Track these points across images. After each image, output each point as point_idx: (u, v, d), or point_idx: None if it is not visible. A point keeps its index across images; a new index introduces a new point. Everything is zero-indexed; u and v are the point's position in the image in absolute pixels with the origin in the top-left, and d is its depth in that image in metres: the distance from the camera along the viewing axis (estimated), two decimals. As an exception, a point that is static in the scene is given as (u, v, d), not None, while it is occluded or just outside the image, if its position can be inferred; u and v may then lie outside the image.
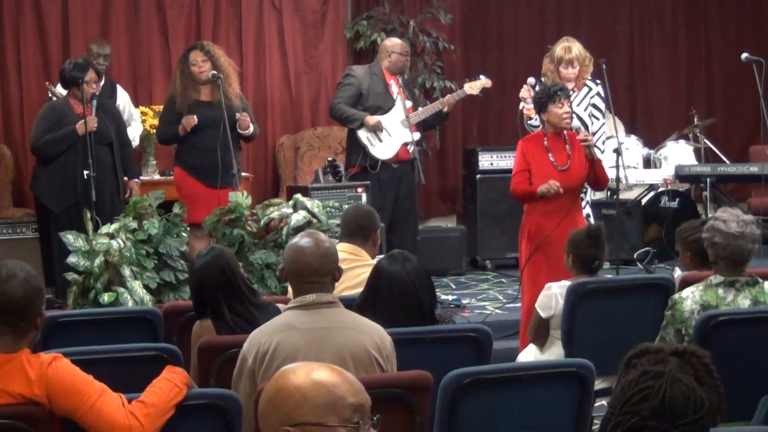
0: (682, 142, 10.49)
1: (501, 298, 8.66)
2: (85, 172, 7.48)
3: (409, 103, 8.70)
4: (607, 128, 10.05)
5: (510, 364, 4.83)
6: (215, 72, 7.71)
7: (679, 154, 10.31)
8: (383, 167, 8.62)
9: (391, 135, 8.60)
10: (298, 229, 6.91)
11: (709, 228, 4.79)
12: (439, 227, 10.57)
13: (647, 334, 4.54)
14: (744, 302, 4.72)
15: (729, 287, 4.74)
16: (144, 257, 6.98)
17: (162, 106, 8.40)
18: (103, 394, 3.45)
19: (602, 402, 5.36)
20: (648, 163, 10.41)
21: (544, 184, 6.55)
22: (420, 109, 8.77)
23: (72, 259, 6.77)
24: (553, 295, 5.47)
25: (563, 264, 5.72)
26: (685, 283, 5.16)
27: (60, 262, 7.28)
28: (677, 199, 9.99)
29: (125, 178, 7.94)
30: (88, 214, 7.07)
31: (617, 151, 7.74)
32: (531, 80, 7.68)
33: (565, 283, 5.44)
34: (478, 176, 10.13)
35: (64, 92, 7.95)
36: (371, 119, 8.55)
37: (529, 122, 7.62)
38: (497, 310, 8.15)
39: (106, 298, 6.61)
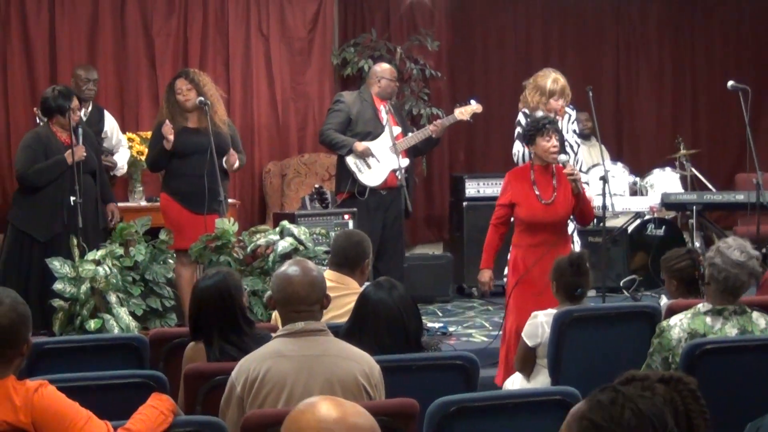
0: (668, 169, 10.50)
1: (487, 325, 8.63)
2: (72, 198, 7.44)
3: (398, 129, 8.70)
4: (592, 155, 10.04)
5: (496, 392, 4.84)
6: (202, 98, 7.70)
7: (665, 181, 10.31)
8: (371, 194, 8.62)
9: (380, 161, 8.60)
10: (284, 256, 6.91)
11: (714, 248, 4.81)
12: (425, 254, 10.54)
13: (633, 362, 4.55)
14: (732, 331, 4.73)
15: (717, 315, 4.74)
16: (130, 284, 6.97)
17: (149, 132, 8.38)
18: (89, 421, 3.44)
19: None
20: (634, 190, 10.42)
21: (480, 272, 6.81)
22: (409, 134, 8.77)
23: (58, 286, 6.75)
24: (539, 324, 5.47)
25: (550, 296, 5.72)
26: (672, 311, 5.16)
27: (37, 290, 7.29)
28: (663, 227, 9.99)
29: (103, 203, 7.93)
30: (74, 241, 7.05)
31: (603, 179, 7.76)
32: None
33: (552, 312, 5.44)
34: (464, 203, 10.13)
35: (44, 119, 7.93)
36: (359, 145, 8.56)
37: None
38: (484, 338, 8.13)
39: (92, 324, 6.60)
